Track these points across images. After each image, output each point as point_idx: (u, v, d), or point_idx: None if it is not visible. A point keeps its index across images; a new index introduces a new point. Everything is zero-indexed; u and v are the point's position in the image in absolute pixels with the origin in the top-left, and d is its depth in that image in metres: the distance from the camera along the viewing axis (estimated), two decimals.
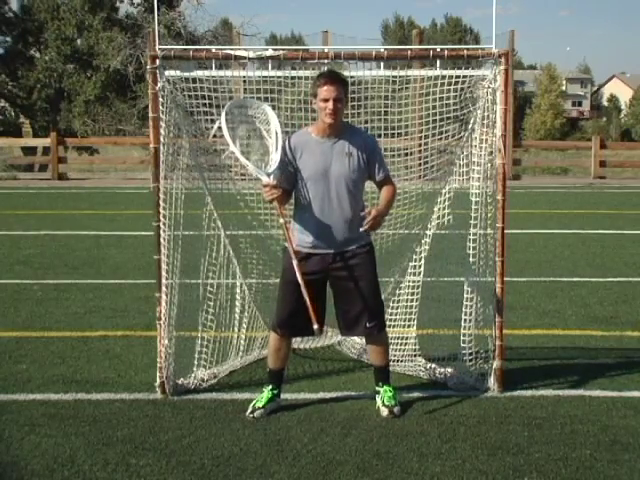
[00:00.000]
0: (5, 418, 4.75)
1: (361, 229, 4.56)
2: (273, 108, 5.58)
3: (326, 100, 4.52)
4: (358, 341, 5.85)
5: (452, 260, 5.38)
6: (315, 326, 4.47)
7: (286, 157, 4.67)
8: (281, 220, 4.58)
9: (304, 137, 4.71)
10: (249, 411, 4.79)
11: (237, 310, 5.86)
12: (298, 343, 6.06)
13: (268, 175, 4.58)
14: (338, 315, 4.86)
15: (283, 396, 5.07)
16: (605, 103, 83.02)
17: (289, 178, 4.68)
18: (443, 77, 5.29)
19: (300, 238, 4.71)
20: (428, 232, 5.55)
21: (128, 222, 13.27)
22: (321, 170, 4.61)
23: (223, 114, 4.68)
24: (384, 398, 4.83)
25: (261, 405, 4.81)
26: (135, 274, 8.88)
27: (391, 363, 5.59)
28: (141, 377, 5.46)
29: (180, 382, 5.20)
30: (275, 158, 4.65)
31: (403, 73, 5.47)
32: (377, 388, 4.93)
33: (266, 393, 4.88)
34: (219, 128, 4.69)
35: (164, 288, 5.09)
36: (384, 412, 4.77)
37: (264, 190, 4.57)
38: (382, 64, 5.40)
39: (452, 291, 5.45)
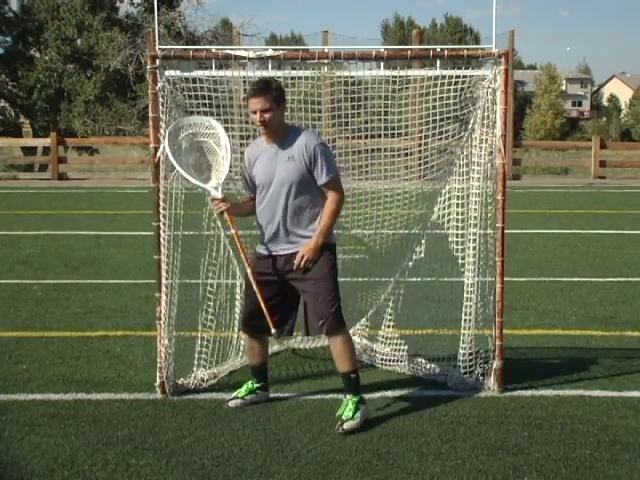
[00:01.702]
0: (5, 418, 4.74)
1: (294, 267, 4.63)
2: None
3: (254, 112, 4.57)
4: (358, 341, 5.85)
5: (452, 260, 5.37)
6: (272, 331, 4.62)
7: (245, 170, 4.82)
8: (232, 230, 4.74)
9: (256, 146, 4.81)
10: (229, 398, 4.97)
11: (237, 310, 5.85)
12: (298, 343, 6.07)
13: (216, 189, 4.73)
14: None
15: (283, 396, 5.08)
16: (605, 103, 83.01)
17: (250, 188, 4.84)
18: (443, 77, 5.29)
19: (259, 241, 4.88)
20: (428, 232, 5.56)
21: (128, 222, 13.27)
22: (268, 176, 4.67)
23: (166, 136, 4.81)
24: (344, 410, 4.63)
25: (240, 395, 4.96)
26: (135, 274, 8.88)
27: (391, 363, 5.62)
28: (141, 377, 5.46)
29: (180, 382, 5.20)
30: (223, 170, 4.78)
31: (403, 73, 5.46)
32: (343, 398, 4.74)
33: (246, 385, 5.01)
34: (165, 154, 4.84)
35: (164, 288, 5.09)
36: (337, 426, 4.55)
37: (213, 204, 4.76)
38: (382, 64, 5.40)
39: (452, 291, 5.44)
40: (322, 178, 4.62)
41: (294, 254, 4.67)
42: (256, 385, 5.01)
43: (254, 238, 5.87)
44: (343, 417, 4.59)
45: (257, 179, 4.74)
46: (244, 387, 5.01)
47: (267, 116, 4.54)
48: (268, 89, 4.57)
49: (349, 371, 4.70)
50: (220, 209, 4.71)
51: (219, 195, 4.72)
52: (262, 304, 4.61)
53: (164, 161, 4.96)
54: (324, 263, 4.68)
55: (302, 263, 4.60)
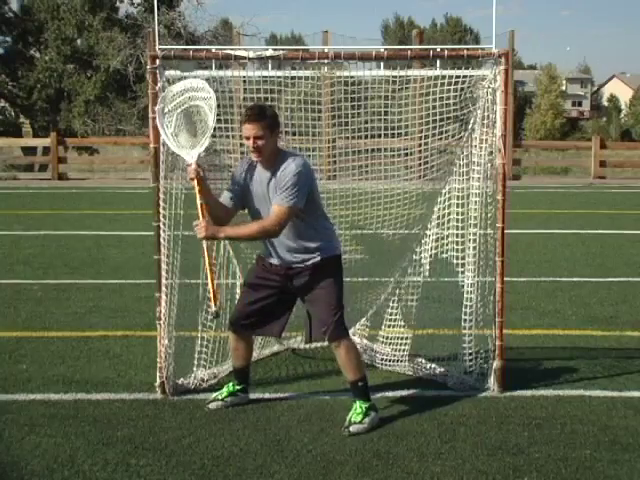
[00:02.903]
0: (5, 418, 4.74)
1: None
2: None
3: (247, 138, 4.53)
4: (358, 341, 5.85)
5: (451, 261, 5.37)
6: (212, 309, 4.58)
7: (239, 177, 4.72)
8: (198, 201, 4.57)
9: (250, 165, 4.71)
10: (208, 400, 4.96)
11: None
12: (298, 343, 6.07)
13: (191, 156, 4.62)
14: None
15: (283, 396, 5.08)
16: (605, 103, 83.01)
17: (239, 196, 4.71)
18: (443, 77, 5.29)
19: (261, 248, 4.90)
20: (428, 232, 5.56)
21: (128, 222, 13.27)
22: (261, 199, 4.64)
23: (163, 96, 4.78)
24: (352, 414, 4.63)
25: (220, 397, 4.95)
26: (135, 274, 8.88)
27: (391, 363, 5.62)
28: (141, 377, 5.46)
29: (180, 382, 5.20)
30: (204, 142, 4.64)
31: (403, 73, 5.46)
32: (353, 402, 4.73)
33: (227, 387, 4.99)
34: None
35: (164, 288, 5.09)
36: (343, 428, 4.57)
37: (188, 170, 4.61)
38: (382, 64, 5.40)
39: (452, 291, 5.44)
40: (276, 198, 4.52)
41: (296, 265, 4.67)
42: (237, 387, 4.99)
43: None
44: (351, 420, 4.58)
45: (253, 196, 4.69)
46: (225, 389, 4.99)
47: (260, 143, 4.50)
48: (263, 116, 4.52)
49: (356, 379, 4.68)
50: (190, 175, 4.59)
51: (191, 161, 4.59)
52: (209, 284, 4.60)
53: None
54: (329, 273, 4.67)
55: (195, 224, 4.52)
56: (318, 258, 4.66)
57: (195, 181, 4.58)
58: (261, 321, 4.85)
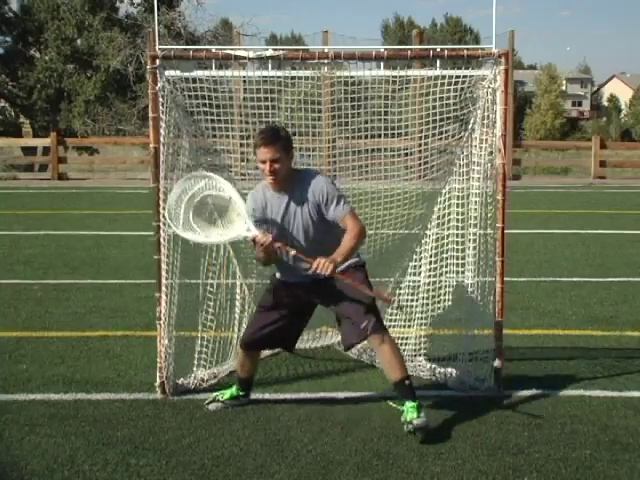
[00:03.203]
0: (5, 418, 4.74)
1: (310, 271, 4.43)
2: (273, 108, 5.60)
3: (263, 162, 4.48)
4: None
5: (452, 261, 5.38)
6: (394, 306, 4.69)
7: (256, 211, 4.63)
8: (292, 252, 4.46)
9: (262, 194, 4.65)
10: (208, 400, 4.94)
11: (237, 310, 5.87)
12: (298, 343, 6.06)
13: (248, 230, 4.50)
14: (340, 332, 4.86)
15: (283, 396, 5.09)
16: (605, 103, 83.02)
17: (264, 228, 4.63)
18: (443, 77, 5.29)
19: (279, 271, 4.82)
20: (428, 232, 5.56)
21: (128, 222, 13.27)
22: (281, 223, 4.60)
23: (168, 216, 4.60)
24: (407, 414, 4.47)
25: (222, 399, 4.94)
26: (135, 274, 8.88)
27: None
28: (141, 377, 5.46)
29: (180, 382, 5.20)
30: (243, 213, 4.52)
31: (403, 73, 5.47)
32: (400, 408, 4.58)
33: (230, 390, 4.97)
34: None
35: (164, 288, 5.09)
36: (406, 428, 4.45)
37: (259, 242, 4.45)
38: (382, 64, 5.41)
39: (452, 291, 5.44)
40: (331, 213, 4.53)
41: (316, 281, 4.57)
42: (240, 393, 4.96)
43: None
44: (408, 419, 4.43)
45: (270, 224, 4.62)
46: (228, 392, 4.96)
47: (277, 166, 4.46)
48: (278, 138, 4.48)
49: (404, 377, 4.56)
50: (267, 240, 4.43)
51: (256, 231, 4.47)
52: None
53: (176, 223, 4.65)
54: (360, 278, 4.66)
55: (315, 267, 4.36)
56: (344, 266, 4.58)
57: (276, 244, 4.45)
58: (275, 339, 4.87)
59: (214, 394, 4.99)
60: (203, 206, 4.62)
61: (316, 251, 4.49)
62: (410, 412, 4.47)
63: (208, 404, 4.93)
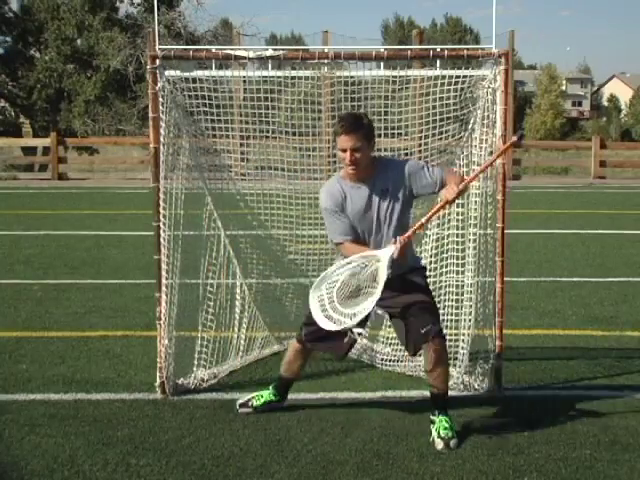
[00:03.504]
0: (5, 418, 4.74)
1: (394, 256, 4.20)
2: (273, 108, 5.60)
3: (343, 150, 4.29)
4: (358, 340, 5.83)
5: (452, 261, 5.38)
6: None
7: (333, 214, 4.43)
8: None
9: (340, 187, 4.44)
10: (241, 402, 4.82)
11: (237, 310, 5.87)
12: None
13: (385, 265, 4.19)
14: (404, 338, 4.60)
15: None
16: (605, 103, 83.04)
17: (346, 231, 4.43)
18: (443, 77, 5.29)
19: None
20: (428, 232, 5.56)
21: (128, 222, 13.27)
22: (363, 214, 4.40)
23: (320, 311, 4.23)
24: (439, 429, 4.37)
25: (255, 405, 4.81)
26: (135, 274, 8.88)
27: (391, 363, 5.62)
28: (141, 377, 5.46)
29: (180, 382, 5.20)
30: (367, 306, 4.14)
31: (403, 73, 5.47)
32: (432, 417, 4.47)
33: (266, 396, 4.84)
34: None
35: (164, 288, 5.09)
36: (439, 445, 4.32)
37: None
38: (382, 64, 5.40)
39: (452, 291, 5.44)
40: (436, 178, 4.37)
41: (396, 276, 4.31)
42: (274, 397, 4.84)
43: (254, 238, 5.89)
44: (444, 436, 4.33)
45: (354, 223, 4.43)
46: (262, 398, 4.82)
47: (358, 155, 4.27)
48: (360, 126, 4.29)
49: (446, 391, 4.49)
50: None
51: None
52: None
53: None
54: (421, 282, 4.55)
55: (452, 198, 4.17)
56: (412, 264, 4.54)
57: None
58: (334, 338, 4.46)
59: (248, 397, 4.85)
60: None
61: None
62: (443, 428, 4.38)
63: (240, 407, 4.79)
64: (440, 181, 4.39)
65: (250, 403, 4.83)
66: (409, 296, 4.48)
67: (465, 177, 4.50)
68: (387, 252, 4.22)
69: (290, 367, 4.82)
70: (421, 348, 4.47)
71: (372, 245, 4.44)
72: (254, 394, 4.88)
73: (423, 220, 4.30)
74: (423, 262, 4.85)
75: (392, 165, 4.47)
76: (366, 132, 4.32)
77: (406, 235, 4.27)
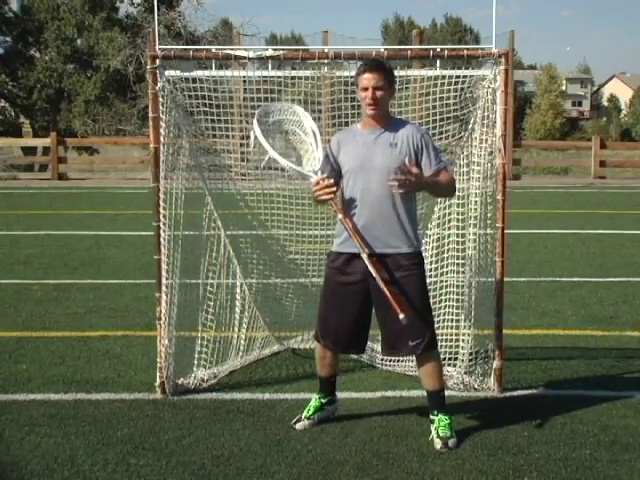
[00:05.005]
0: (5, 418, 4.74)
1: (389, 182, 4.14)
2: None
3: (365, 89, 4.23)
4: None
5: (452, 261, 5.38)
6: (401, 316, 4.05)
7: (330, 155, 4.39)
8: (339, 216, 4.23)
9: (348, 132, 4.51)
10: (293, 421, 4.60)
11: (237, 310, 5.87)
12: (298, 343, 6.07)
13: (315, 173, 4.27)
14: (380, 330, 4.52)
15: (283, 396, 5.08)
16: (605, 103, 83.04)
17: (335, 177, 4.31)
18: (443, 77, 5.29)
19: (339, 237, 4.41)
20: (428, 232, 5.56)
21: (128, 222, 13.28)
22: (361, 161, 4.28)
23: (255, 124, 4.36)
24: (438, 428, 4.36)
25: (307, 415, 4.61)
26: (135, 274, 8.88)
27: (391, 363, 5.62)
28: (141, 377, 5.46)
29: (180, 382, 5.19)
30: (318, 155, 4.34)
31: (403, 73, 5.46)
32: (431, 416, 4.45)
33: (313, 402, 4.67)
34: (255, 138, 4.37)
35: (164, 288, 5.09)
36: (438, 444, 4.30)
37: (316, 189, 4.21)
38: None
39: (452, 291, 5.45)
40: (432, 165, 4.29)
41: (387, 256, 4.25)
42: (323, 400, 4.67)
43: (254, 238, 5.89)
44: (443, 435, 4.32)
45: (346, 165, 4.33)
46: (311, 406, 4.64)
47: (379, 94, 4.22)
48: (383, 67, 4.30)
49: (441, 388, 4.47)
50: (327, 193, 4.17)
51: (323, 176, 4.22)
52: (390, 299, 4.09)
53: (255, 147, 4.47)
54: (416, 277, 4.36)
55: (400, 176, 4.10)
56: (412, 250, 4.34)
57: (333, 200, 4.21)
58: (351, 337, 4.47)
59: (299, 416, 4.62)
60: (283, 132, 4.48)
61: (391, 208, 4.23)
62: (442, 427, 4.37)
63: (294, 424, 4.57)
64: (435, 170, 4.32)
65: (302, 417, 4.62)
66: (406, 289, 4.29)
67: (456, 177, 4.50)
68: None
69: (322, 363, 4.63)
70: (398, 355, 4.42)
71: (357, 201, 4.28)
72: (303, 410, 4.66)
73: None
74: (424, 255, 4.75)
75: (408, 126, 4.40)
76: (388, 75, 4.31)
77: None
